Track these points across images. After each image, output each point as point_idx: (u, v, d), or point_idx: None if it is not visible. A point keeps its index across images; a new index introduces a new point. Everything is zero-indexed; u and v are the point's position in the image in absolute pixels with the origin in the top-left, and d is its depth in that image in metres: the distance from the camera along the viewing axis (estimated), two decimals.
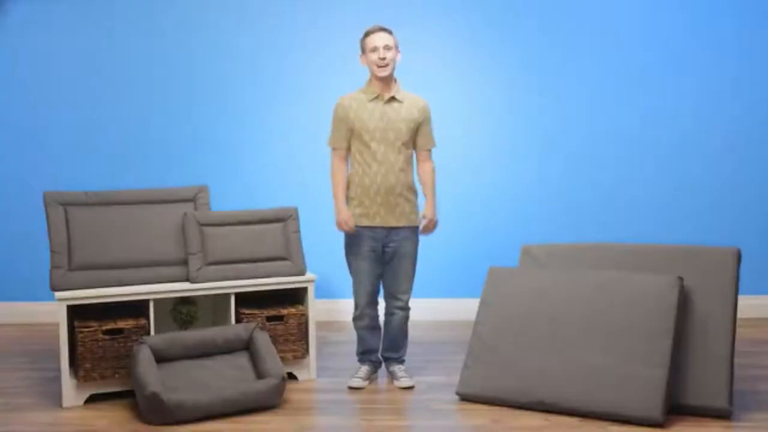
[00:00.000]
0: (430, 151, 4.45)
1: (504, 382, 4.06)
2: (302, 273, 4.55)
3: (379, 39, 4.26)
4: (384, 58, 4.25)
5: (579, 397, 3.88)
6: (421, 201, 4.45)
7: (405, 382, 4.42)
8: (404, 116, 4.32)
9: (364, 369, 4.49)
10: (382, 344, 4.56)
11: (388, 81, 4.32)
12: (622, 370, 3.84)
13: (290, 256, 4.55)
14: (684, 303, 3.96)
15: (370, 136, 4.30)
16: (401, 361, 4.55)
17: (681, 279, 3.91)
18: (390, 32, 4.31)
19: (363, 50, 4.32)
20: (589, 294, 4.05)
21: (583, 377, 3.90)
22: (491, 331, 4.20)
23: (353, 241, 4.38)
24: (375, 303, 4.46)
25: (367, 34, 4.31)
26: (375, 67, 4.27)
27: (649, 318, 3.87)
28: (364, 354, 4.53)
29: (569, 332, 4.01)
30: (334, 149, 4.39)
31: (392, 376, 4.51)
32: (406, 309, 4.47)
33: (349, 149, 4.38)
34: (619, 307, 3.96)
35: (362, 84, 4.41)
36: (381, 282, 4.46)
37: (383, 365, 4.61)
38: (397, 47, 4.32)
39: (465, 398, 4.16)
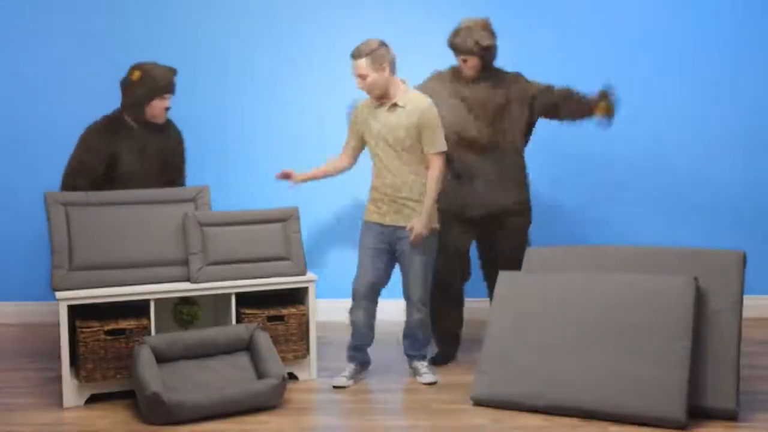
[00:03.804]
0: (437, 155, 4.34)
1: (521, 387, 4.02)
2: (303, 273, 4.55)
3: (352, 68, 4.30)
4: (362, 87, 4.31)
5: (600, 400, 3.86)
6: None
7: (427, 378, 4.46)
8: (404, 122, 4.31)
9: (351, 367, 4.50)
10: (403, 343, 4.59)
11: (383, 95, 4.34)
12: (642, 372, 3.82)
13: (291, 256, 4.55)
14: (698, 303, 3.94)
15: (375, 142, 4.37)
16: (423, 357, 4.56)
17: (696, 279, 3.90)
18: (359, 56, 4.26)
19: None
20: (604, 296, 4.03)
21: (603, 380, 3.88)
22: (505, 334, 4.17)
23: (364, 233, 4.46)
24: (374, 298, 4.47)
25: (352, 58, 4.32)
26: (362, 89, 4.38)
27: (667, 319, 3.86)
28: (355, 350, 4.52)
29: (586, 335, 3.99)
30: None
31: (415, 372, 4.54)
32: (421, 311, 4.45)
33: (356, 148, 4.52)
34: (635, 308, 3.95)
35: None
36: (385, 281, 4.52)
37: (407, 362, 4.62)
38: (375, 68, 4.25)
39: (480, 403, 4.11)
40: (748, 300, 4.30)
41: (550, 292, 4.16)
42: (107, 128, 4.69)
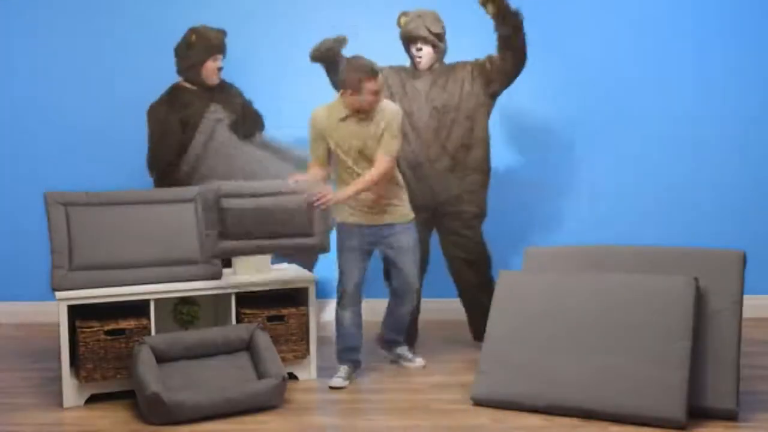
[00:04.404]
0: (385, 156, 4.29)
1: (521, 387, 4.02)
2: (325, 249, 4.54)
3: (378, 84, 4.23)
4: (375, 104, 4.28)
5: (600, 400, 3.85)
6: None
7: (419, 361, 4.62)
8: (373, 133, 4.31)
9: (345, 368, 4.51)
10: (388, 332, 4.67)
11: None
12: (642, 372, 3.82)
13: (313, 231, 4.48)
14: (698, 304, 3.95)
15: (346, 155, 4.35)
16: (403, 343, 4.68)
17: (696, 279, 3.90)
18: (379, 72, 4.24)
19: (358, 90, 4.20)
20: (604, 296, 4.03)
21: (603, 380, 3.88)
22: (505, 335, 4.17)
23: (344, 236, 4.46)
24: (360, 298, 4.51)
25: (367, 78, 4.17)
26: (365, 106, 4.25)
27: (667, 319, 3.86)
28: (345, 352, 4.53)
29: (587, 335, 3.99)
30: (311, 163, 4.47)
31: (401, 358, 4.63)
32: (415, 299, 4.57)
33: (327, 156, 4.42)
34: (635, 308, 3.95)
35: None
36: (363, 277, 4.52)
37: (390, 351, 4.71)
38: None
39: (480, 403, 4.11)
40: (748, 300, 4.30)
41: (550, 292, 4.16)
42: (171, 97, 5.05)
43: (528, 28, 4.85)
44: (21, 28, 5.72)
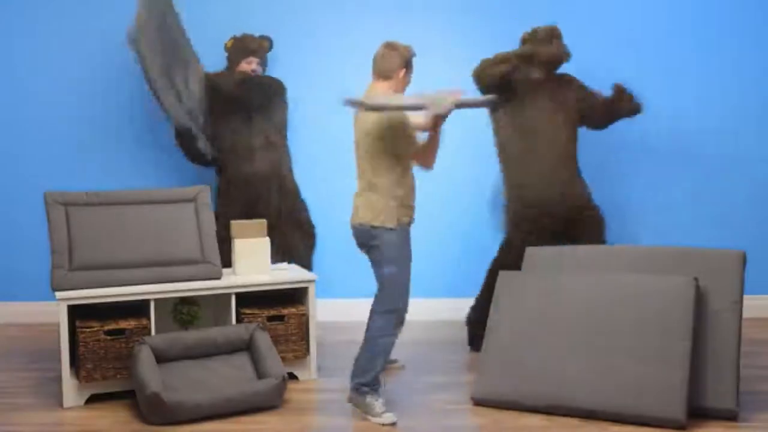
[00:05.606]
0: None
1: (521, 387, 4.02)
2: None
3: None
4: None
5: (600, 400, 3.86)
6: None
7: (387, 417, 3.91)
8: None
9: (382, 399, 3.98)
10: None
11: None
12: (642, 372, 3.82)
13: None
14: (698, 304, 3.96)
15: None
16: (369, 388, 4.00)
17: (696, 279, 3.91)
18: None
19: (410, 65, 3.94)
20: (604, 296, 4.04)
21: (603, 380, 3.88)
22: (506, 335, 4.17)
23: (402, 239, 3.96)
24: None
25: (413, 55, 3.94)
26: (404, 87, 3.98)
27: (667, 319, 3.87)
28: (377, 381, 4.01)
29: (587, 335, 3.99)
30: None
31: (367, 411, 3.97)
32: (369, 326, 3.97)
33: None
34: (635, 308, 3.95)
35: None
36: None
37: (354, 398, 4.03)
38: None
39: (480, 403, 4.11)
40: (748, 300, 4.31)
41: (550, 292, 4.16)
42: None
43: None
44: (21, 28, 5.72)
